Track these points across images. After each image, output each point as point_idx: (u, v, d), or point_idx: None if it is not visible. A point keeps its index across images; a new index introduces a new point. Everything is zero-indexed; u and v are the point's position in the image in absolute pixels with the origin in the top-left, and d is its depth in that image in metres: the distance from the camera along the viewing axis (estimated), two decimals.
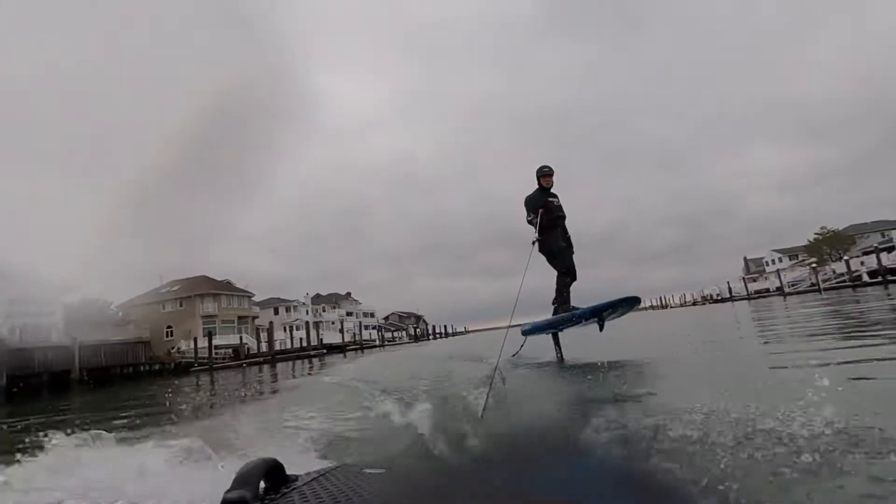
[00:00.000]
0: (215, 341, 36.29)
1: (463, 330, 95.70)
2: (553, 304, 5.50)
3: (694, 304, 63.63)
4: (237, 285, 50.70)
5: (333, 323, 62.43)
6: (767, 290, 46.83)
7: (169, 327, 42.98)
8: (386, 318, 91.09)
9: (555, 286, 5.52)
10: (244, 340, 41.27)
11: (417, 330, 79.32)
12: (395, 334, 73.46)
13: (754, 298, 42.55)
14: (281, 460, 0.92)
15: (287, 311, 59.75)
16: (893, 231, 44.03)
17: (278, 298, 61.12)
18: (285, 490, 0.88)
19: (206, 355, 35.10)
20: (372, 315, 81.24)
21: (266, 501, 0.81)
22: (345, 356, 30.86)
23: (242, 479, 0.82)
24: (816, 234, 52.15)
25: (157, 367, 33.25)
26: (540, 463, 1.34)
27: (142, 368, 31.49)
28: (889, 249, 36.94)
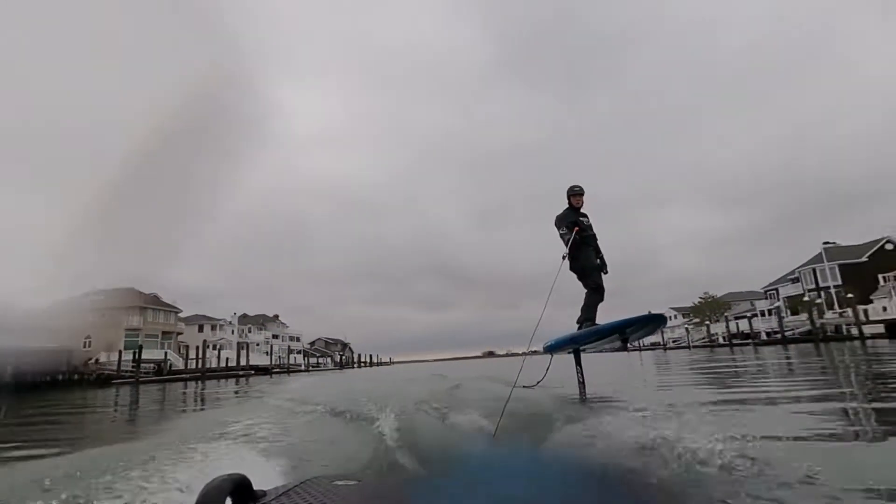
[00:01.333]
0: (145, 354, 36.60)
1: (388, 361, 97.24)
2: (578, 322, 5.44)
3: (602, 351, 70.19)
4: (164, 299, 50.36)
5: (258, 345, 62.57)
6: (658, 343, 53.83)
7: (88, 337, 42.08)
8: (312, 344, 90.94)
9: (582, 304, 5.48)
10: (168, 357, 41.40)
11: (343, 357, 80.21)
12: (321, 360, 74.07)
13: (647, 350, 49.08)
14: (248, 475, 0.89)
15: (213, 329, 59.30)
16: (758, 301, 52.61)
17: (204, 316, 60.50)
18: None
19: (128, 368, 35.29)
20: (298, 339, 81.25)
21: None
22: (271, 377, 32.49)
23: (206, 497, 0.78)
24: (700, 298, 60.41)
25: (75, 377, 33.04)
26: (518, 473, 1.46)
27: (60, 378, 31.27)
28: (752, 316, 44.52)
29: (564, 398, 4.82)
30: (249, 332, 68.75)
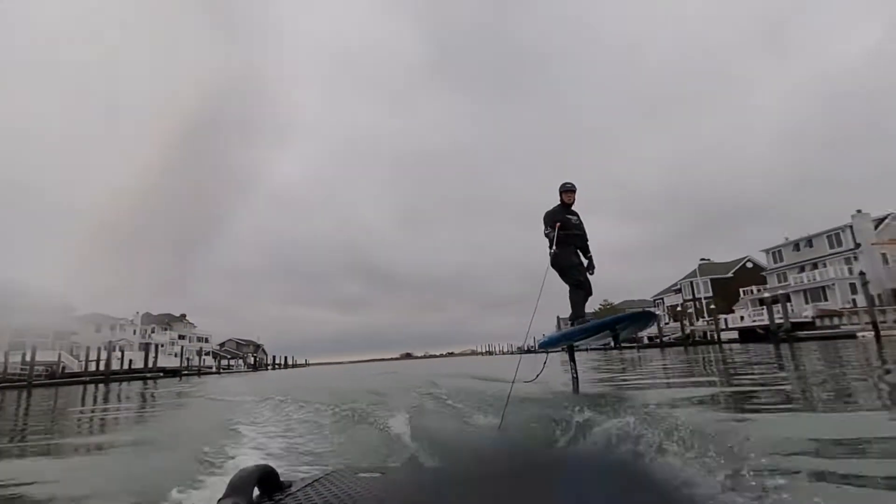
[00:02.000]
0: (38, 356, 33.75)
1: (304, 363, 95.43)
2: (569, 319, 5.56)
3: (511, 353, 74.79)
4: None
5: (163, 346, 59.29)
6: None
7: None
8: (222, 345, 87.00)
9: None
10: (62, 358, 38.45)
11: (256, 359, 77.81)
12: (232, 362, 71.42)
13: (554, 352, 53.59)
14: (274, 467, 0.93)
15: (112, 329, 55.22)
16: (648, 308, 59.28)
17: (102, 315, 56.19)
18: (279, 496, 0.89)
19: (16, 371, 32.56)
20: (207, 340, 77.56)
21: None
22: (180, 379, 31.56)
23: (235, 487, 0.82)
24: (601, 305, 66.49)
25: None
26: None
27: None
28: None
29: (558, 392, 5.07)
30: (153, 332, 64.72)
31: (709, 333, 35.42)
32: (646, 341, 37.03)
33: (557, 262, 5.38)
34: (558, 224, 5.29)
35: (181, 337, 70.18)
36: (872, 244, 32.37)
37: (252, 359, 77.51)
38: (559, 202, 5.59)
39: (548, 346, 5.92)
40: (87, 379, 33.08)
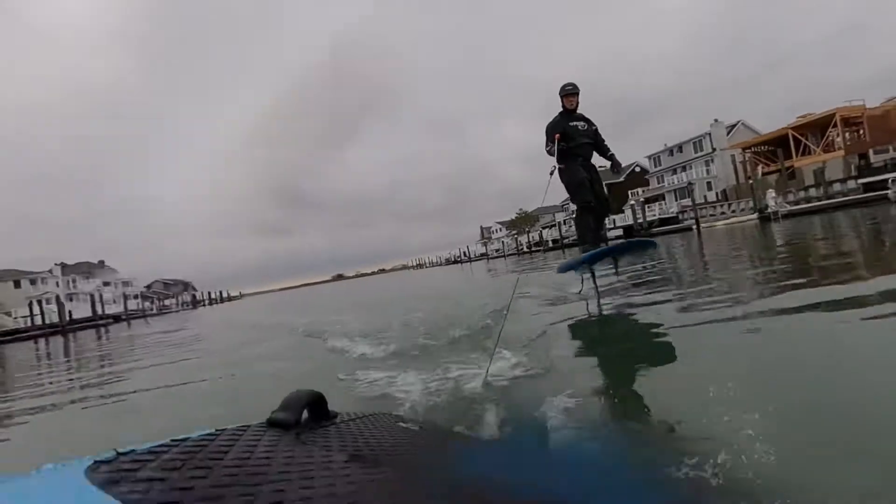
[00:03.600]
0: None
1: (238, 295, 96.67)
2: (578, 244, 5.18)
3: (441, 264, 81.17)
4: None
5: (87, 295, 58.55)
6: (487, 255, 65.38)
7: None
8: (148, 287, 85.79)
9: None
10: None
11: (194, 296, 78.32)
12: (166, 303, 71.76)
13: (476, 260, 59.90)
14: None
15: (32, 283, 53.59)
16: (559, 213, 66.66)
17: (17, 270, 54.00)
18: (326, 423, 0.94)
19: None
20: (131, 284, 76.33)
21: (308, 430, 0.86)
22: (129, 325, 33.42)
23: (288, 404, 0.87)
24: (516, 213, 73.37)
25: None
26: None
27: None
28: (556, 225, 57.32)
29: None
30: (74, 283, 63.00)
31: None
32: (550, 244, 43.76)
33: (564, 179, 4.89)
34: (557, 136, 4.73)
35: (106, 283, 68.79)
36: (722, 149, 39.83)
37: (190, 296, 77.93)
38: (561, 109, 4.97)
39: (563, 271, 5.66)
40: (38, 332, 34.08)
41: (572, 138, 4.86)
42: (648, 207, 42.83)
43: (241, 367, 4.72)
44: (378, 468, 0.74)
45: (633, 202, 43.26)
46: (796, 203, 25.10)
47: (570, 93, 4.94)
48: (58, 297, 40.82)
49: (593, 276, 5.21)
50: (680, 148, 46.04)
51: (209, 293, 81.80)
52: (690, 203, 32.22)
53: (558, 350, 3.07)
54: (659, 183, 48.07)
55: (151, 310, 58.51)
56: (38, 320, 38.70)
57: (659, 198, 45.44)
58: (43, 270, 56.14)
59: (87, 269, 69.81)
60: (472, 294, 8.99)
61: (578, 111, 5.03)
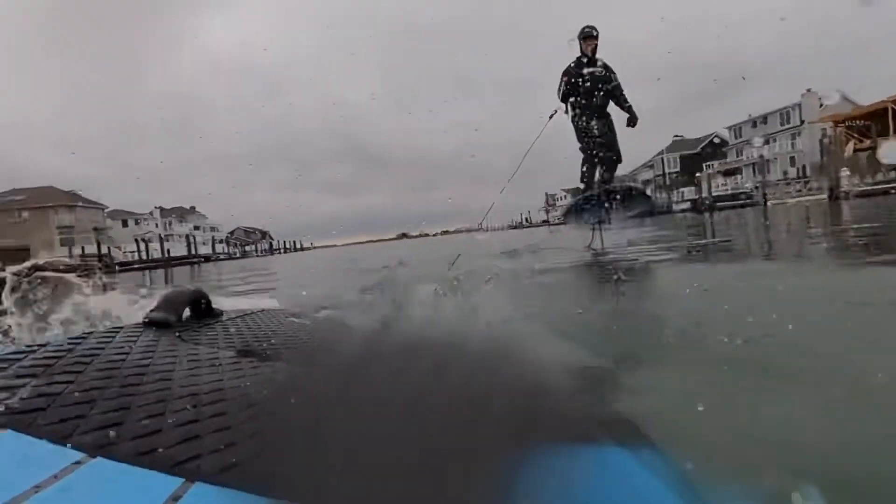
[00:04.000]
0: (77, 251, 39.47)
1: (310, 246, 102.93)
2: (583, 183, 5.04)
3: (502, 229, 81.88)
4: (84, 196, 50.92)
5: (181, 237, 65.24)
6: (548, 222, 65.35)
7: (14, 236, 43.16)
8: (231, 233, 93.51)
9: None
10: (111, 252, 44.29)
11: (271, 244, 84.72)
12: (248, 249, 78.19)
13: (538, 226, 60.17)
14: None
15: (136, 223, 60.75)
16: (625, 184, 64.97)
17: (126, 211, 61.24)
18: (209, 321, 0.89)
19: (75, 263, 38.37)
20: (217, 230, 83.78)
21: (188, 328, 0.80)
22: (216, 264, 37.55)
23: (167, 302, 0.82)
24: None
25: None
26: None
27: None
28: None
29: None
30: (170, 225, 70.37)
31: (666, 205, 41.44)
32: None
33: (574, 124, 4.79)
34: (565, 80, 4.64)
35: (196, 228, 75.98)
36: (811, 122, 36.93)
37: (268, 244, 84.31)
38: (578, 53, 4.73)
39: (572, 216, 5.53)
40: (140, 266, 39.14)
41: (585, 86, 4.73)
42: (723, 182, 41.05)
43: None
44: (267, 362, 0.70)
45: (697, 176, 41.61)
46: (881, 183, 23.57)
47: (587, 35, 4.77)
48: (161, 237, 46.02)
49: (601, 232, 5.40)
50: (765, 119, 43.06)
51: (284, 242, 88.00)
52: (764, 179, 30.71)
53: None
54: (738, 156, 45.49)
55: (235, 254, 64.18)
56: (143, 256, 44.33)
57: (736, 171, 43.22)
58: (145, 212, 62.98)
59: (180, 214, 77.41)
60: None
61: (598, 56, 4.84)
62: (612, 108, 5.19)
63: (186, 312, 0.87)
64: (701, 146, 52.78)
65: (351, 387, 0.61)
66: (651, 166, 58.04)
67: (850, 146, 33.50)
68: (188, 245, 47.14)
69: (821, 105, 38.39)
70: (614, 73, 4.96)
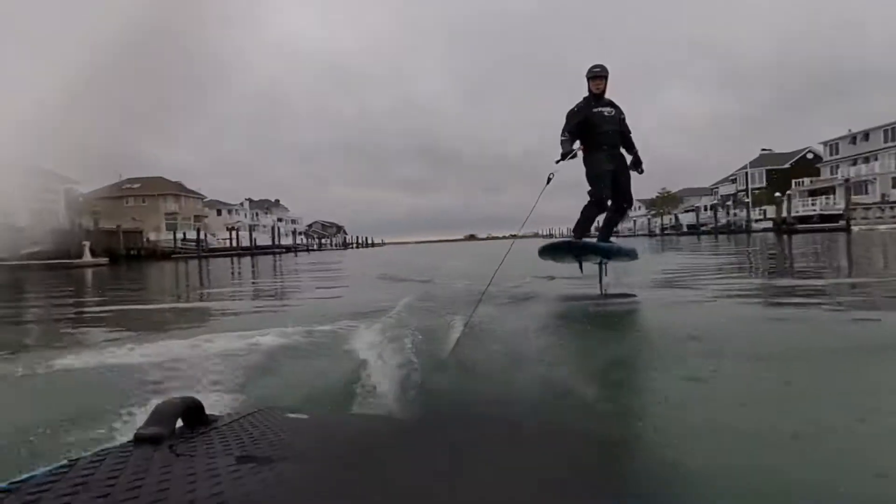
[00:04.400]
0: (179, 235, 44.46)
1: (381, 242, 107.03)
2: (573, 231, 4.80)
3: (564, 237, 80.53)
4: (188, 187, 56.94)
5: (265, 227, 70.77)
6: (617, 232, 63.84)
7: (133, 220, 49.27)
8: (310, 226, 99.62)
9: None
10: (207, 237, 49.33)
11: (345, 239, 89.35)
12: (324, 242, 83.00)
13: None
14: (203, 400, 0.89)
15: (229, 213, 66.84)
16: (706, 196, 61.85)
17: (220, 201, 67.54)
18: (203, 430, 0.86)
19: (173, 246, 43.34)
20: (297, 222, 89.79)
21: (182, 440, 0.77)
22: (296, 255, 40.75)
23: (157, 416, 0.79)
24: (658, 192, 69.27)
25: (142, 252, 40.96)
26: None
27: (138, 253, 39.12)
28: (695, 210, 53.87)
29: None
30: (257, 216, 76.58)
31: (743, 223, 39.34)
32: (685, 229, 41.62)
33: (586, 171, 4.63)
34: (576, 123, 4.56)
35: (279, 220, 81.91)
36: None
37: (342, 238, 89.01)
38: (587, 93, 4.68)
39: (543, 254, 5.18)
40: (232, 253, 43.30)
41: (597, 125, 4.57)
42: (812, 201, 38.32)
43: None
44: (270, 465, 0.69)
45: (786, 193, 39.07)
46: None
47: (597, 75, 4.61)
48: (250, 227, 50.40)
49: (581, 264, 5.11)
50: (866, 135, 39.55)
51: (357, 237, 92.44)
52: (856, 200, 28.48)
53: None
54: (832, 174, 42.13)
55: (312, 246, 68.52)
56: (232, 243, 48.96)
57: (829, 190, 40.12)
58: (236, 203, 68.96)
59: (266, 206, 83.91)
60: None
61: (606, 96, 4.71)
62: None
63: (179, 423, 0.86)
64: (791, 161, 49.33)
65: (356, 486, 0.62)
66: (733, 180, 55.02)
67: None
68: (273, 235, 51.21)
69: None
70: (624, 114, 4.80)
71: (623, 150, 4.81)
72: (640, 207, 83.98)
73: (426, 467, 0.72)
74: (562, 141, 4.53)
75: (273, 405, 1.37)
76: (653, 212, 68.11)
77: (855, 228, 24.11)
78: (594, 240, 4.90)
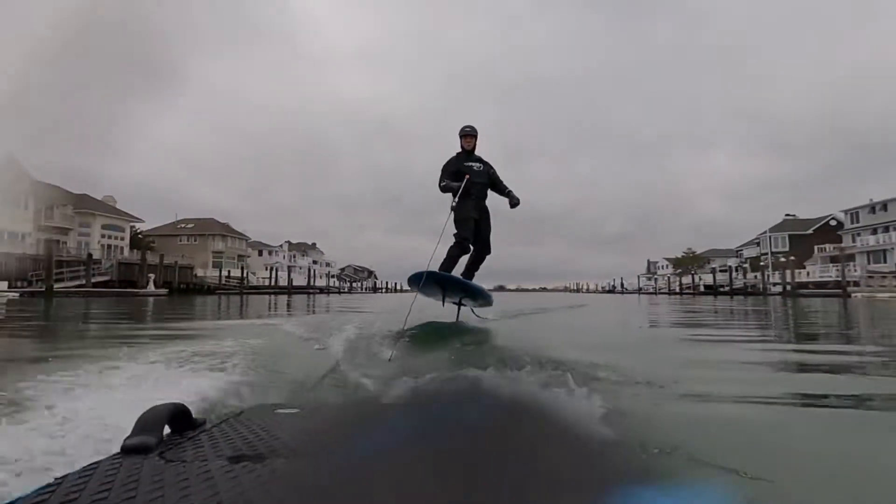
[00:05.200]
0: (226, 272, 48.26)
1: (409, 288, 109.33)
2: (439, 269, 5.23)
3: (594, 292, 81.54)
4: (235, 228, 61.76)
5: (301, 268, 74.79)
6: (640, 289, 64.53)
7: (182, 256, 53.79)
8: (342, 270, 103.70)
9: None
10: (248, 276, 53.14)
11: (375, 283, 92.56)
12: (355, 284, 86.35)
13: (629, 293, 59.85)
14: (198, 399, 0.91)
15: (269, 254, 71.35)
16: (729, 259, 62.31)
17: (262, 243, 72.37)
18: (192, 434, 0.85)
19: (218, 283, 47.00)
20: (331, 265, 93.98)
21: (171, 447, 0.76)
22: (328, 295, 43.56)
23: (144, 425, 0.78)
24: (684, 252, 70.10)
25: (191, 286, 44.72)
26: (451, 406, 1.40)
27: (188, 287, 42.86)
28: (723, 271, 54.52)
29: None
30: (294, 258, 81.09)
31: (759, 286, 40.11)
32: (702, 289, 42.59)
33: (453, 213, 5.10)
34: (468, 176, 5.07)
35: (314, 262, 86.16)
36: None
37: (372, 283, 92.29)
38: (459, 149, 5.29)
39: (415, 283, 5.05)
40: (273, 291, 46.62)
41: (462, 178, 5.08)
42: (835, 267, 38.98)
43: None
44: (263, 463, 0.68)
45: (789, 259, 39.85)
46: None
47: (467, 134, 5.29)
48: (288, 268, 53.97)
49: (459, 306, 5.57)
50: (885, 206, 40.45)
51: (386, 282, 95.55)
52: (884, 269, 29.34)
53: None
54: (853, 241, 42.75)
55: (344, 289, 71.71)
56: (271, 282, 52.50)
57: (849, 258, 40.69)
58: (276, 245, 73.55)
59: (303, 248, 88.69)
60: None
61: (476, 152, 5.34)
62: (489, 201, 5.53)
63: (167, 430, 0.83)
64: (814, 227, 50.05)
65: (357, 480, 0.61)
66: (757, 243, 55.74)
67: None
68: (308, 277, 54.64)
69: None
70: (493, 168, 5.44)
71: (498, 193, 5.47)
72: (666, 266, 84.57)
73: (419, 455, 0.75)
74: (442, 188, 5.15)
75: (261, 403, 1.42)
76: (679, 270, 68.79)
77: (858, 295, 25.03)
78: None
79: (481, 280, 5.62)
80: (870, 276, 33.30)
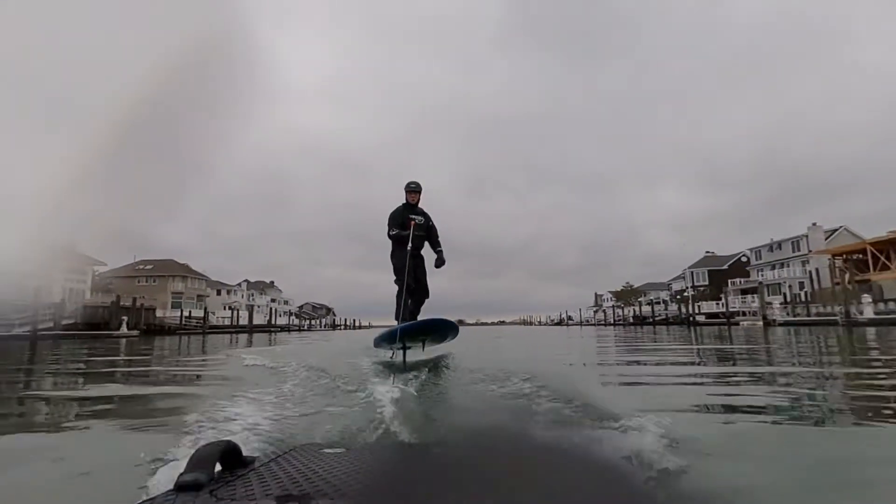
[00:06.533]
0: (186, 313, 49.35)
1: (368, 325, 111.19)
2: (396, 318, 5.54)
3: (543, 324, 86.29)
4: (193, 268, 62.73)
5: (259, 307, 75.74)
6: (584, 322, 69.68)
7: (141, 297, 54.34)
8: (301, 307, 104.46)
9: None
10: (208, 316, 54.17)
11: (334, 320, 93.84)
12: (313, 322, 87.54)
13: (573, 325, 64.71)
14: (240, 441, 0.94)
15: (228, 293, 72.12)
16: (661, 291, 68.57)
17: (220, 282, 73.10)
18: (242, 472, 0.88)
19: (177, 323, 48.05)
20: (288, 303, 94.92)
21: (222, 484, 0.79)
22: (289, 333, 45.43)
23: (197, 462, 0.81)
24: (623, 286, 76.24)
25: (152, 327, 45.61)
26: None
27: (149, 328, 43.78)
28: (657, 303, 60.12)
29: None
30: (253, 296, 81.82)
31: (681, 316, 45.49)
32: (630, 320, 47.65)
33: (392, 261, 5.51)
34: (413, 223, 5.45)
35: (272, 300, 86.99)
36: (815, 252, 40.95)
37: (331, 320, 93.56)
38: (404, 202, 5.65)
39: (381, 342, 5.86)
40: (233, 330, 48.07)
41: (408, 229, 5.45)
42: (742, 298, 44.81)
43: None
44: (311, 503, 0.71)
45: (691, 293, 45.47)
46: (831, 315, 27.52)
47: (413, 190, 5.67)
48: (249, 308, 55.46)
49: (404, 350, 5.52)
50: (780, 245, 47.26)
51: (345, 319, 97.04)
52: (769, 299, 34.82)
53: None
54: (758, 275, 49.22)
55: (303, 326, 73.09)
56: (232, 321, 53.71)
57: (754, 290, 46.87)
58: (234, 284, 74.44)
59: (262, 287, 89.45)
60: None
61: (420, 206, 5.72)
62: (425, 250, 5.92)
63: (218, 467, 0.86)
64: (728, 263, 56.72)
65: None
66: (683, 277, 62.07)
67: (846, 277, 37.11)
68: (270, 315, 56.26)
69: (827, 238, 42.47)
70: (432, 221, 5.81)
71: (431, 247, 5.87)
72: (611, 299, 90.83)
73: (465, 496, 0.77)
74: (392, 236, 5.62)
75: (309, 442, 1.51)
76: (620, 303, 74.60)
77: (745, 323, 29.98)
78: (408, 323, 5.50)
79: (444, 315, 5.94)
80: (750, 312, 38.82)
